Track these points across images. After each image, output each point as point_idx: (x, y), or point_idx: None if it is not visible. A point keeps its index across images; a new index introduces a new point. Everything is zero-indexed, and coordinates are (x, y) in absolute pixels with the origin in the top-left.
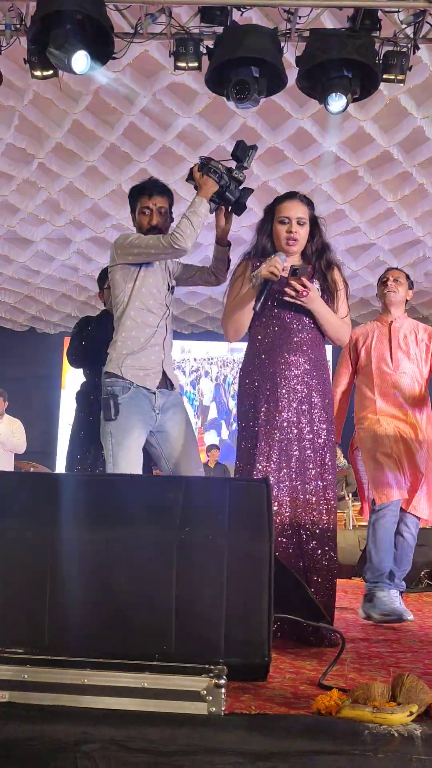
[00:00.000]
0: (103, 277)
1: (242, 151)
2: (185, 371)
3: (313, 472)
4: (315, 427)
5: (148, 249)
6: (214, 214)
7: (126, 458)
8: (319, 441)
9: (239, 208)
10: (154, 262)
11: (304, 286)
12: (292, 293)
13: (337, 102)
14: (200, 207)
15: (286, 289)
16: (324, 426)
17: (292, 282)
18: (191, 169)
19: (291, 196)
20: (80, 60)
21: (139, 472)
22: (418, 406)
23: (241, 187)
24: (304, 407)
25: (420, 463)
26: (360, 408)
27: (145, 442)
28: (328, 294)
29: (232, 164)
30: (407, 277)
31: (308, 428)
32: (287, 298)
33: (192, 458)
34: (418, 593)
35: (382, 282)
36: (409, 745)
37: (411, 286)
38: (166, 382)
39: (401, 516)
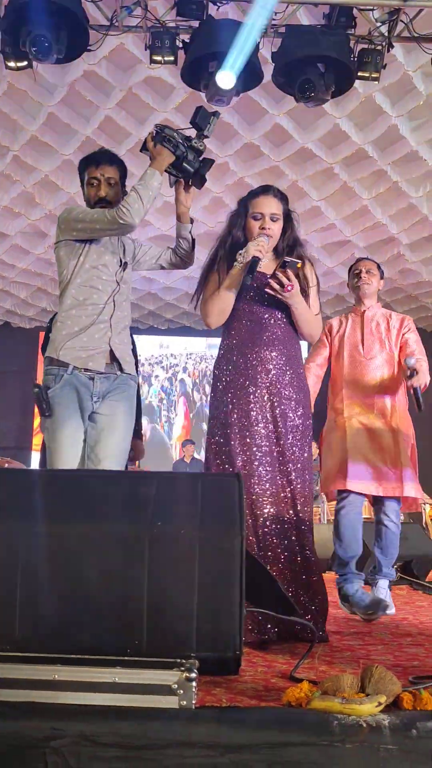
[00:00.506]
0: None
1: (203, 119)
2: (164, 367)
3: (286, 467)
4: (289, 423)
5: (92, 224)
6: (173, 188)
7: (59, 451)
8: (295, 435)
9: (199, 180)
10: (101, 238)
11: (289, 279)
12: (277, 286)
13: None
14: (152, 179)
15: (271, 281)
16: (300, 421)
17: (279, 274)
18: (146, 138)
19: (265, 190)
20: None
21: (75, 465)
22: (389, 393)
23: (201, 158)
24: (276, 401)
25: (390, 451)
26: (331, 397)
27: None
28: (301, 290)
29: (193, 135)
30: (378, 266)
31: (282, 423)
32: (269, 290)
33: (114, 441)
34: (391, 587)
35: (355, 273)
36: (377, 735)
37: (382, 275)
38: (114, 364)
39: (380, 504)
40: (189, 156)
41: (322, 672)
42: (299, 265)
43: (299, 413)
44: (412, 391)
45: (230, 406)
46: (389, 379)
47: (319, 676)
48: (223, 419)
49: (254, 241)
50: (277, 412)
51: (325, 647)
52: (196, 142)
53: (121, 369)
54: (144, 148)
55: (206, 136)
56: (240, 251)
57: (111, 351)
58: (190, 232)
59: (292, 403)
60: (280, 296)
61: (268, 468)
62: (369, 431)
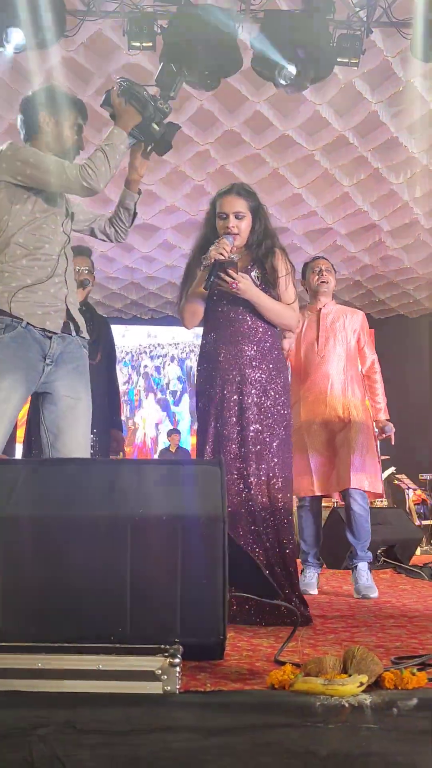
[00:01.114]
0: None
1: (169, 77)
2: (152, 356)
3: (261, 455)
4: (263, 412)
5: (45, 175)
6: (129, 151)
7: None
8: (267, 423)
9: (164, 146)
10: None
11: (232, 278)
12: (224, 286)
13: None
14: (119, 140)
15: (216, 280)
16: (279, 409)
17: (220, 275)
18: (108, 92)
19: (229, 190)
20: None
21: (3, 429)
22: (346, 387)
23: (166, 121)
24: (251, 391)
25: (344, 443)
26: (292, 399)
27: (26, 399)
28: (268, 282)
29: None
30: (332, 265)
31: (256, 411)
32: (224, 289)
33: (80, 431)
34: (374, 570)
35: (315, 272)
36: (359, 714)
37: (334, 271)
38: (71, 324)
39: (348, 492)
40: (156, 118)
41: (306, 655)
42: (236, 261)
43: (278, 401)
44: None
45: (210, 397)
46: (344, 374)
47: (303, 659)
48: (205, 408)
49: (215, 244)
50: (251, 402)
51: (309, 630)
52: (161, 103)
53: (77, 331)
54: (106, 103)
55: (172, 98)
56: (203, 256)
57: (68, 310)
58: (135, 203)
59: (270, 392)
60: (234, 293)
61: (242, 458)
62: (324, 428)
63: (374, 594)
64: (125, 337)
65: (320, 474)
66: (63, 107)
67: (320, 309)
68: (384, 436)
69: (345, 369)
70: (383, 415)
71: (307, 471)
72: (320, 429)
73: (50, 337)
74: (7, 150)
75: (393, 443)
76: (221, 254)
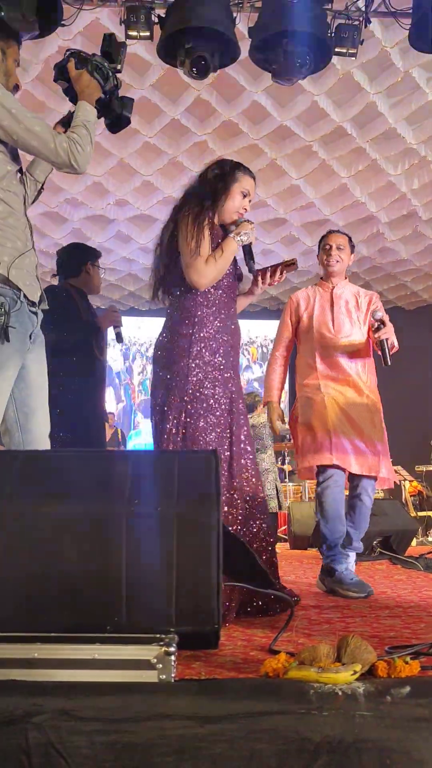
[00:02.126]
0: (77, 257)
1: (116, 48)
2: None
3: (233, 440)
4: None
5: (27, 135)
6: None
7: None
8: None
9: (124, 121)
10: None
11: (277, 279)
12: (269, 282)
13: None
14: (94, 117)
15: (270, 276)
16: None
17: (276, 270)
18: (63, 65)
19: (252, 174)
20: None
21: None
22: (361, 371)
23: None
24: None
25: (368, 427)
26: (301, 375)
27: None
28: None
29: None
30: (349, 240)
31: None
32: (258, 287)
33: (47, 413)
34: (371, 561)
35: (325, 249)
36: (352, 702)
37: (353, 249)
38: (41, 297)
39: (359, 481)
40: (116, 92)
41: (300, 644)
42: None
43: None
44: (378, 345)
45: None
46: (360, 357)
47: (298, 648)
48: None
49: (250, 227)
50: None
51: (304, 620)
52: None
53: (42, 304)
54: (62, 77)
55: (119, 70)
56: (236, 227)
57: (38, 279)
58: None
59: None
60: (254, 291)
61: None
62: (347, 407)
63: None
64: (141, 329)
65: (339, 450)
66: (9, 37)
67: (333, 288)
68: (383, 331)
69: (362, 353)
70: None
71: (327, 446)
72: (343, 409)
73: (36, 313)
74: None
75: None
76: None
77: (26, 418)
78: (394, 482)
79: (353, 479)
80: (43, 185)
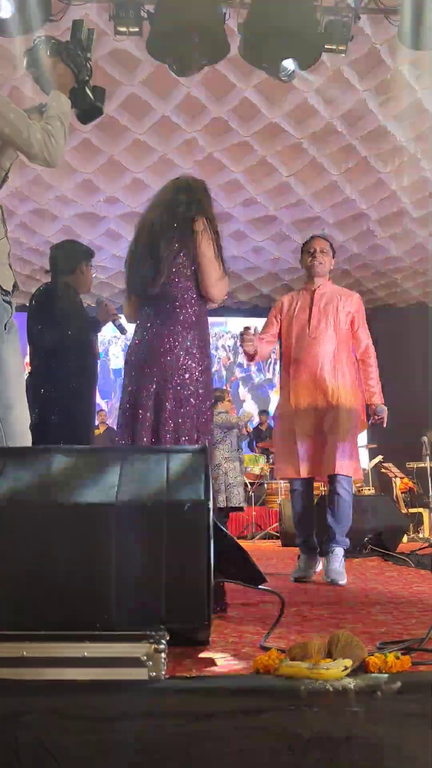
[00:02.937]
0: (73, 258)
1: (87, 35)
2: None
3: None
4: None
5: (2, 122)
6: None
7: None
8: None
9: (96, 111)
10: None
11: None
12: None
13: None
14: (68, 107)
15: None
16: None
17: None
18: (31, 52)
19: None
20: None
21: None
22: (333, 372)
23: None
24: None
25: (332, 428)
26: (281, 378)
27: None
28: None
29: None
30: (331, 245)
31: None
32: None
33: (24, 401)
34: (362, 558)
35: (309, 252)
36: (343, 698)
37: (334, 254)
38: (14, 285)
39: (332, 478)
40: (89, 81)
41: (292, 640)
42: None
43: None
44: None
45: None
46: (333, 356)
47: (289, 645)
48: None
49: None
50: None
51: (296, 617)
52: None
53: (13, 292)
54: (33, 64)
55: (89, 58)
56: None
57: (10, 266)
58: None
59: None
60: None
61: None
62: (314, 411)
63: (343, 581)
64: (131, 326)
65: (308, 457)
66: None
67: (314, 290)
68: (376, 418)
69: (336, 352)
70: (377, 399)
71: (294, 454)
72: (308, 412)
73: (9, 303)
74: None
75: (385, 425)
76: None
77: (6, 410)
78: (390, 479)
79: (330, 476)
80: (7, 173)
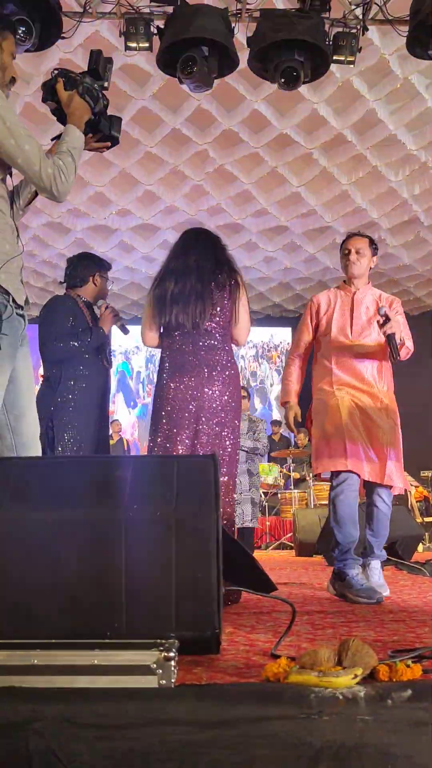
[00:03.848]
0: (85, 266)
1: (103, 65)
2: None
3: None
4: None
5: (17, 152)
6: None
7: None
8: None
9: (113, 141)
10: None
11: None
12: None
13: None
14: (81, 142)
15: None
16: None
17: None
18: (51, 85)
19: None
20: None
21: None
22: (378, 376)
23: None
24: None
25: (382, 433)
26: (317, 378)
27: None
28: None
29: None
30: (371, 242)
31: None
32: None
33: (34, 411)
34: None
35: (344, 253)
36: (353, 706)
37: (375, 252)
38: (26, 299)
39: (374, 488)
40: (105, 112)
41: (303, 649)
42: None
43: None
44: (387, 340)
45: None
46: (378, 362)
47: (300, 653)
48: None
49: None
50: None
51: (308, 625)
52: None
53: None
54: (50, 97)
55: (106, 88)
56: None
57: (22, 281)
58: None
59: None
60: None
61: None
62: (361, 412)
63: (387, 592)
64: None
65: (354, 456)
66: (7, 28)
67: (354, 293)
68: (389, 325)
69: (379, 357)
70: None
71: (341, 451)
72: (359, 413)
73: (23, 316)
74: None
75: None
76: None
77: (17, 420)
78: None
79: (368, 486)
80: (36, 193)
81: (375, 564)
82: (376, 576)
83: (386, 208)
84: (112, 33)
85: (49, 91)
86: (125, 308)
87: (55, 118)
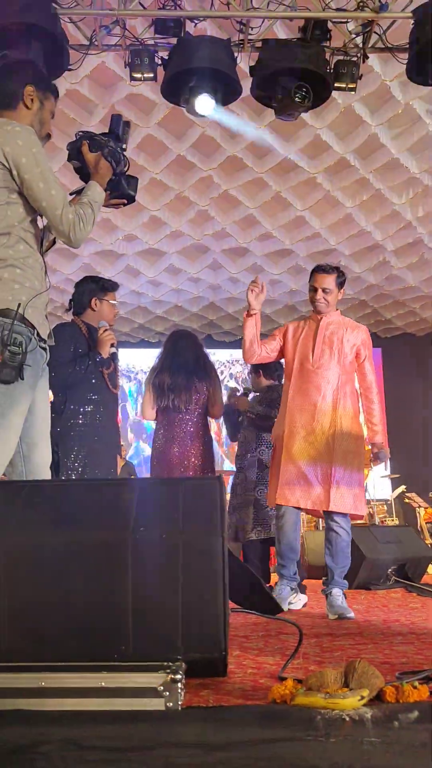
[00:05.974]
0: (89, 289)
1: (124, 128)
2: None
3: None
4: None
5: (43, 196)
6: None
7: (5, 439)
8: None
9: (129, 199)
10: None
11: None
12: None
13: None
14: (101, 198)
15: None
16: None
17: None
18: (77, 148)
19: None
20: None
21: (10, 457)
22: (339, 402)
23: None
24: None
25: (333, 458)
26: (281, 403)
27: None
28: None
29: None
30: (338, 274)
31: None
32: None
33: (48, 441)
34: (385, 590)
35: (311, 289)
36: (360, 728)
37: (342, 284)
38: (50, 333)
39: (328, 514)
40: (125, 173)
41: (311, 671)
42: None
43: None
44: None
45: None
46: (337, 389)
47: (307, 675)
48: None
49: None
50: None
51: (316, 648)
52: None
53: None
54: (75, 157)
55: (125, 149)
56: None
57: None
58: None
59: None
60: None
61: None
62: (307, 441)
63: (350, 614)
64: (151, 360)
65: (301, 486)
66: (50, 89)
67: (320, 319)
68: (378, 462)
69: (339, 383)
70: (379, 438)
71: (286, 481)
72: (304, 441)
73: (45, 349)
74: (24, 132)
75: (386, 469)
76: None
77: (29, 448)
78: (414, 509)
79: (326, 512)
80: (54, 241)
81: (336, 592)
82: (339, 601)
83: (390, 230)
84: (117, 64)
85: (74, 152)
86: (132, 332)
87: (59, 148)
